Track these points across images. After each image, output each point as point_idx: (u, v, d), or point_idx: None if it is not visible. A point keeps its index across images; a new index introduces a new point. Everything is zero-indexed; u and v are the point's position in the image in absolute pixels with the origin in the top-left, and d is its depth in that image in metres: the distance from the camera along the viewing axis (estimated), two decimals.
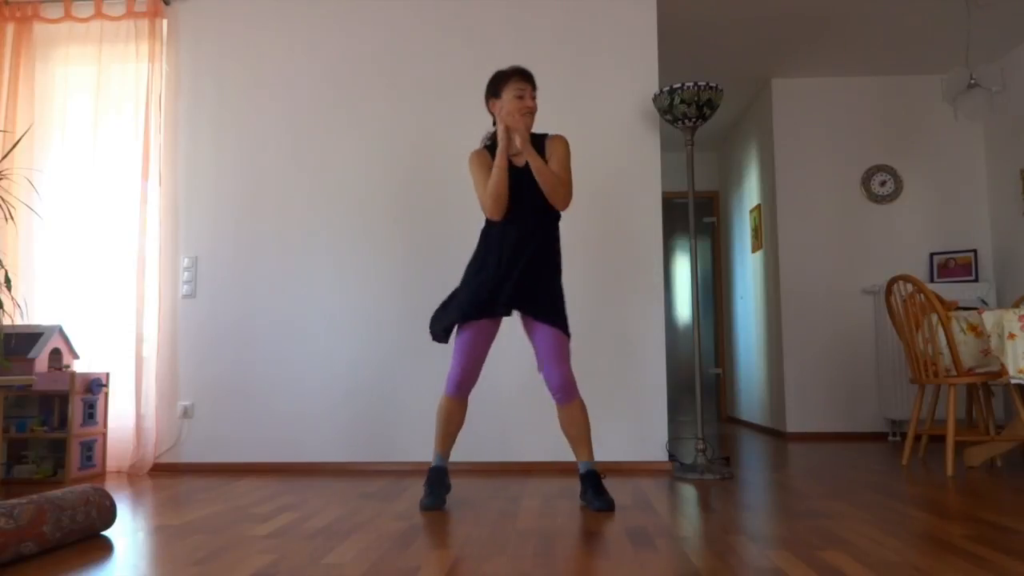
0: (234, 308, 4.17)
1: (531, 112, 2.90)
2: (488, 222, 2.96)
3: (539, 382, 4.02)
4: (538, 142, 2.98)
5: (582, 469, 2.91)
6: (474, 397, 4.02)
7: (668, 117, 3.88)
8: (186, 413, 4.13)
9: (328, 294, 4.15)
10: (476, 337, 2.89)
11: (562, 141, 2.95)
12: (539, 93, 4.15)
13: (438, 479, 2.93)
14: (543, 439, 4.00)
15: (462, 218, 4.14)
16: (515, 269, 2.86)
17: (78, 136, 4.32)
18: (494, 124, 3.03)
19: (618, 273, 4.07)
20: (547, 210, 2.93)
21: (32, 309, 4.18)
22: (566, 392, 2.86)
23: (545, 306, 2.86)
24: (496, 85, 2.95)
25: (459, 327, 2.92)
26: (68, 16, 4.32)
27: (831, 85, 5.83)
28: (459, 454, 4.00)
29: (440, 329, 2.94)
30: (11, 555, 2.09)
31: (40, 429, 3.83)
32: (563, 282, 3.89)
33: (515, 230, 2.89)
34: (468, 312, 2.86)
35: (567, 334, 2.88)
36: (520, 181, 2.90)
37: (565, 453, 3.98)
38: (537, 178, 2.85)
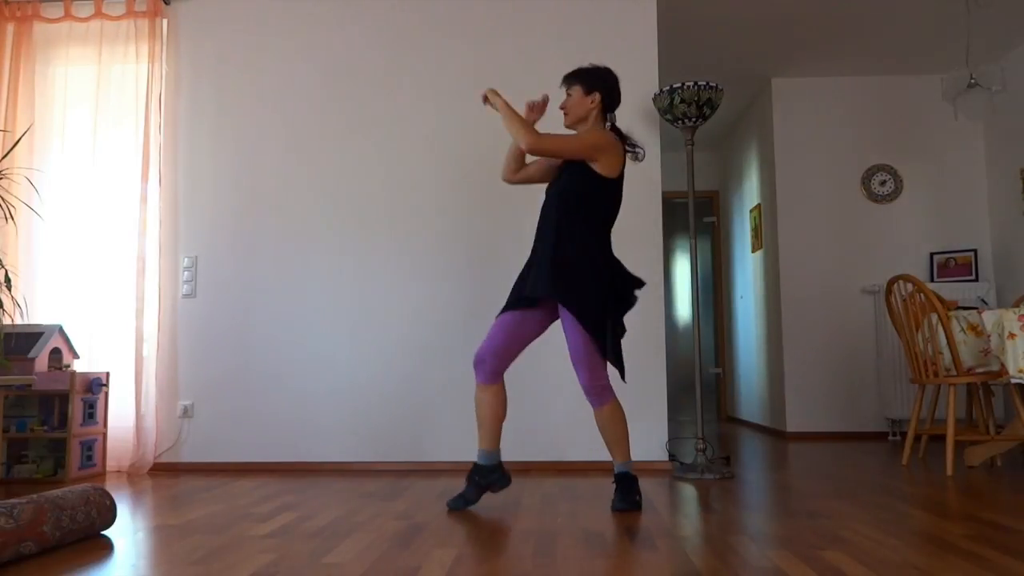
0: (234, 308, 4.17)
1: (564, 111, 3.00)
2: None
3: (539, 382, 4.03)
4: None
5: (615, 470, 2.89)
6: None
7: (668, 117, 3.88)
8: (186, 413, 4.13)
9: (328, 294, 4.15)
10: (515, 321, 2.89)
11: (589, 131, 2.91)
12: (540, 93, 4.13)
13: (471, 477, 2.88)
14: (543, 438, 4.00)
15: (462, 218, 4.14)
16: (541, 251, 2.86)
17: (78, 136, 4.31)
18: (605, 117, 3.00)
19: None
20: (565, 200, 2.86)
21: (32, 309, 4.18)
22: (592, 397, 2.82)
23: (570, 293, 2.75)
24: None
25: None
26: (68, 16, 4.31)
27: (831, 85, 5.83)
28: (460, 454, 4.01)
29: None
30: (11, 555, 2.09)
31: (40, 429, 3.83)
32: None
33: (542, 215, 2.97)
34: (510, 301, 2.94)
35: (592, 333, 2.73)
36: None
37: (565, 453, 3.98)
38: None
